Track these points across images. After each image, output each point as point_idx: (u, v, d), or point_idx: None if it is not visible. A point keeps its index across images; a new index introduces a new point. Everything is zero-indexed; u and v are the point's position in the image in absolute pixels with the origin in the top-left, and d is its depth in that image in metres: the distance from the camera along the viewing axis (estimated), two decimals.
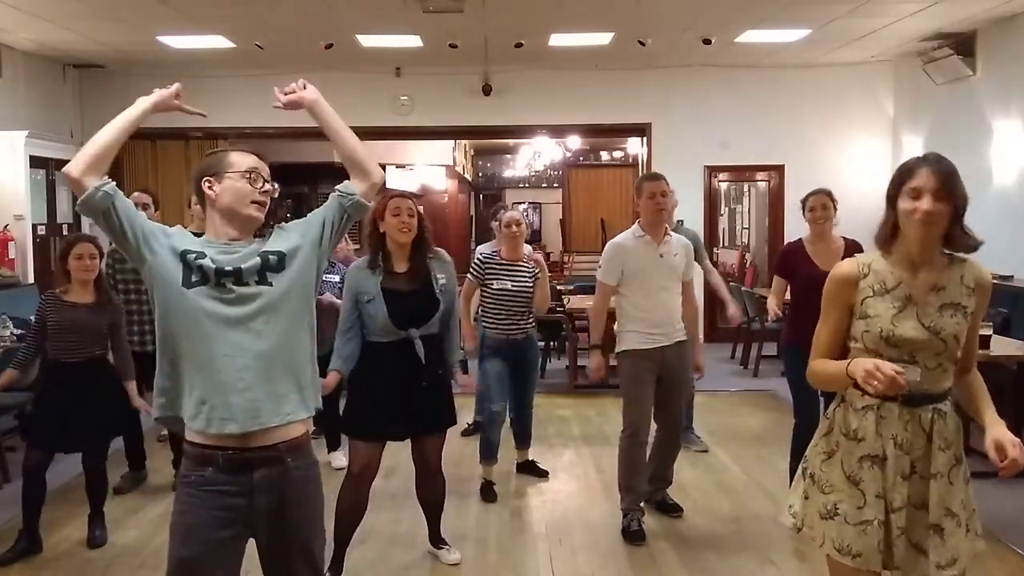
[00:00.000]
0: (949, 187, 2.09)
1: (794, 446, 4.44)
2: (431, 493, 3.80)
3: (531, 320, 4.82)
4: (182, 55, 8.40)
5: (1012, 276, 7.05)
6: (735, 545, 4.00)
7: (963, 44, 7.77)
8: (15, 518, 4.46)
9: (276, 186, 2.25)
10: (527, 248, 4.93)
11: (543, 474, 5.12)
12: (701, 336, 4.56)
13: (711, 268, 5.87)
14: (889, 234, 2.19)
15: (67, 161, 2.07)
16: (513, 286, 4.68)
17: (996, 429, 2.14)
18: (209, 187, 2.18)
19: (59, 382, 4.06)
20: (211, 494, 2.07)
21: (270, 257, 2.14)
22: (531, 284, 4.70)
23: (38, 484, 4.03)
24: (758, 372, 7.98)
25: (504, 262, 4.73)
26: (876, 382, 1.97)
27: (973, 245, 2.14)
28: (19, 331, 5.81)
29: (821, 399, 4.00)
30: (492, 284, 4.70)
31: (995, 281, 7.02)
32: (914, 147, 9.00)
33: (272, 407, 2.08)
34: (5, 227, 7.49)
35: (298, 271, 2.17)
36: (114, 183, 2.10)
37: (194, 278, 2.08)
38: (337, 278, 5.11)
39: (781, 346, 4.98)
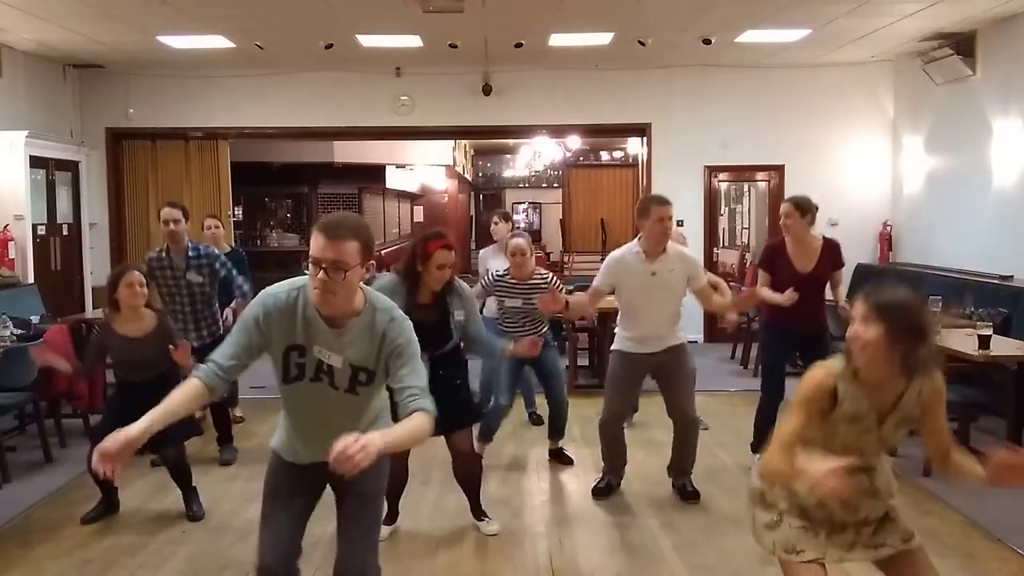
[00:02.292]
0: (879, 311, 2.14)
1: (757, 421, 5.04)
2: (464, 472, 4.22)
3: (544, 327, 5.17)
4: (182, 55, 8.39)
5: (1012, 276, 7.04)
6: (735, 545, 4.00)
7: (963, 44, 7.77)
8: (15, 518, 4.47)
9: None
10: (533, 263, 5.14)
11: (568, 462, 5.39)
12: (728, 300, 4.97)
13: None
14: (853, 368, 2.26)
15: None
16: (524, 304, 5.01)
17: (992, 461, 2.21)
18: None
19: (128, 399, 4.15)
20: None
21: None
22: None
23: (179, 467, 4.47)
24: (758, 372, 7.96)
25: (515, 283, 5.04)
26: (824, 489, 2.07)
27: (925, 367, 2.22)
28: (19, 331, 5.82)
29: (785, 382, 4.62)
30: (504, 301, 5.08)
31: (995, 281, 7.05)
32: (914, 147, 9.01)
33: None
34: (5, 227, 7.49)
35: None
36: (205, 368, 2.35)
37: None
38: None
39: (761, 323, 5.33)
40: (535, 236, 19.17)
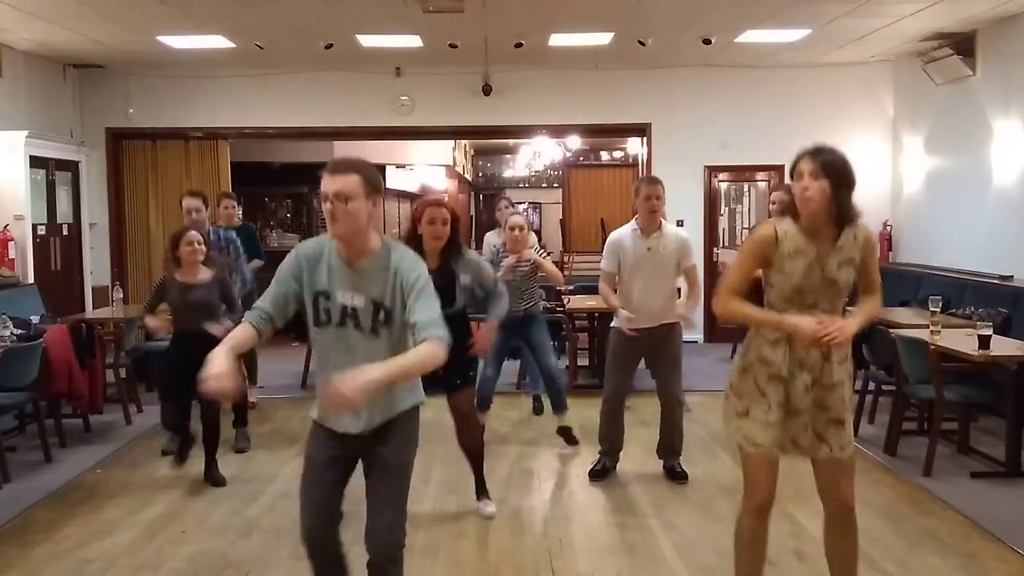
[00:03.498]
0: (825, 168, 2.65)
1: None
2: (467, 438, 4.39)
3: (532, 302, 5.57)
4: (182, 55, 8.39)
5: (1012, 276, 7.04)
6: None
7: (963, 44, 7.77)
8: (15, 518, 4.47)
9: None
10: (532, 238, 5.74)
11: (575, 442, 5.65)
12: (700, 305, 5.13)
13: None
14: (795, 209, 2.76)
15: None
16: (515, 277, 5.42)
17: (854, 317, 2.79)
18: None
19: (182, 349, 4.76)
20: None
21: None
22: (527, 272, 5.45)
23: (184, 431, 4.98)
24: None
25: (509, 255, 5.51)
26: (811, 342, 2.67)
27: (855, 216, 2.74)
28: (19, 331, 5.81)
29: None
30: (499, 270, 5.37)
31: (995, 281, 7.05)
32: (914, 147, 9.00)
33: None
34: (5, 227, 7.49)
35: None
36: (252, 313, 2.61)
37: None
38: None
39: None
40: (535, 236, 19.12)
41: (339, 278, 2.56)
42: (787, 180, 3.22)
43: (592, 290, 8.27)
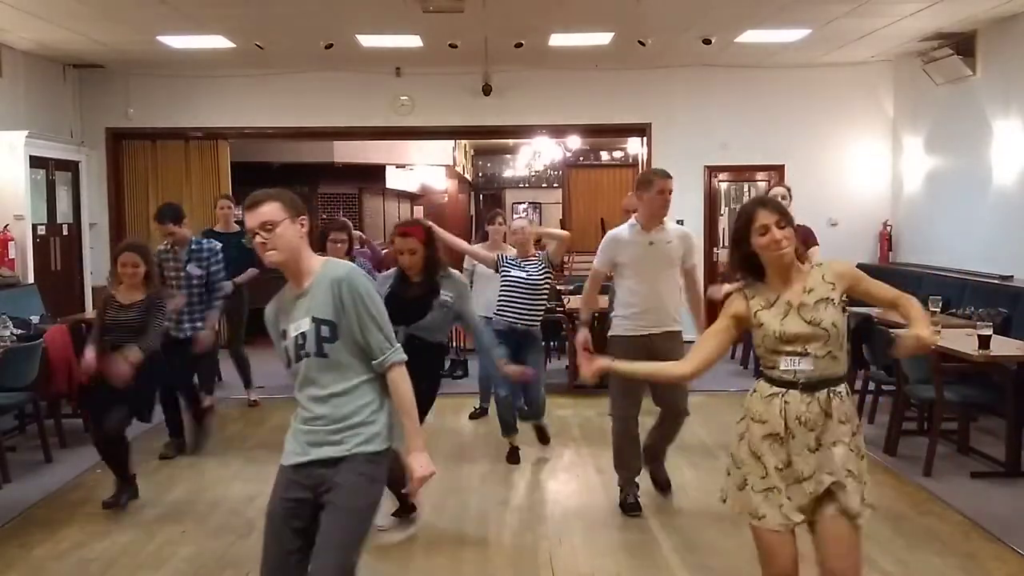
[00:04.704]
0: (785, 216, 2.56)
1: None
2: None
3: (536, 318, 5.42)
4: (182, 55, 8.39)
5: (1012, 276, 7.04)
6: (735, 545, 3.99)
7: (963, 44, 7.77)
8: (15, 518, 4.47)
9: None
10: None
11: (545, 440, 5.58)
12: (703, 319, 4.53)
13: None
14: (753, 267, 2.62)
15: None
16: (527, 276, 5.36)
17: (917, 326, 2.49)
18: None
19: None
20: None
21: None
22: (542, 274, 5.39)
23: (114, 446, 4.54)
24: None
25: (519, 258, 5.48)
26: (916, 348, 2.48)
27: (808, 254, 2.67)
28: (19, 331, 5.81)
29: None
30: (510, 273, 5.41)
31: (995, 281, 7.05)
32: (914, 147, 9.00)
33: None
34: (5, 227, 7.49)
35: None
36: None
37: None
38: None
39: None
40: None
41: (289, 311, 2.53)
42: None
43: None
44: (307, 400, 2.52)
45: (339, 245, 5.00)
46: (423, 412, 3.84)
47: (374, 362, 2.48)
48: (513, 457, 5.41)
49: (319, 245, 4.75)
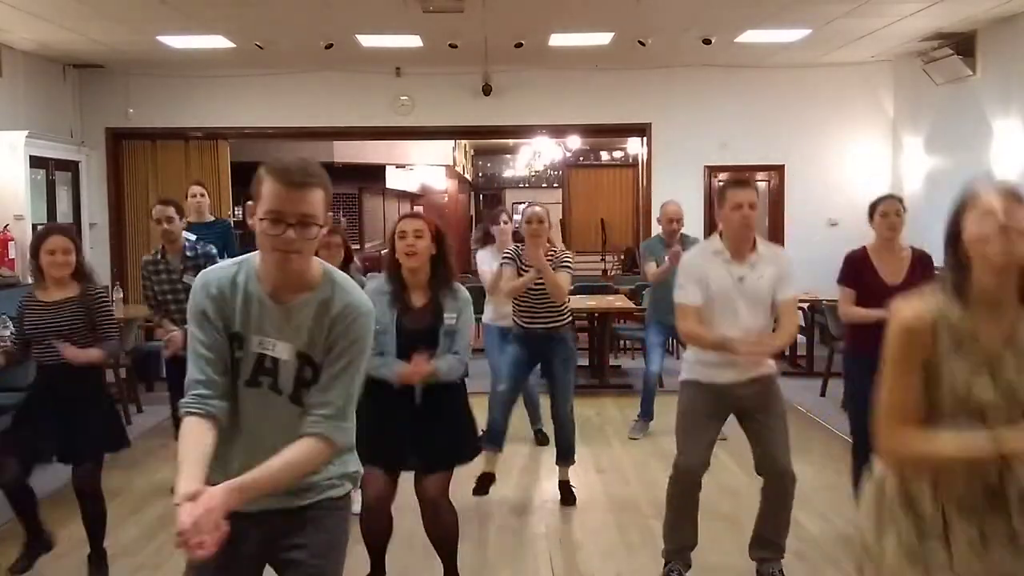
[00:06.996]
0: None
1: (855, 468, 4.08)
2: (438, 527, 3.43)
3: (558, 320, 4.62)
4: (182, 55, 8.39)
5: None
6: (736, 545, 3.99)
7: (963, 44, 7.77)
8: (14, 519, 4.47)
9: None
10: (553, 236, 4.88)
11: (572, 502, 4.68)
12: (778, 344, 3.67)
13: None
14: (961, 280, 1.80)
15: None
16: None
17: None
18: None
19: (38, 391, 3.72)
20: None
21: None
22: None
23: (24, 495, 3.72)
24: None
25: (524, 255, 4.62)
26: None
27: None
28: None
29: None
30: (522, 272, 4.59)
31: None
32: (914, 147, 9.01)
33: None
34: (5, 227, 7.49)
35: None
36: (189, 400, 1.85)
37: None
38: None
39: (847, 354, 4.43)
40: None
41: (258, 316, 1.86)
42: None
43: (592, 289, 8.29)
44: (248, 434, 1.95)
45: (331, 251, 4.22)
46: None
47: (308, 417, 1.85)
48: (482, 487, 4.56)
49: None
